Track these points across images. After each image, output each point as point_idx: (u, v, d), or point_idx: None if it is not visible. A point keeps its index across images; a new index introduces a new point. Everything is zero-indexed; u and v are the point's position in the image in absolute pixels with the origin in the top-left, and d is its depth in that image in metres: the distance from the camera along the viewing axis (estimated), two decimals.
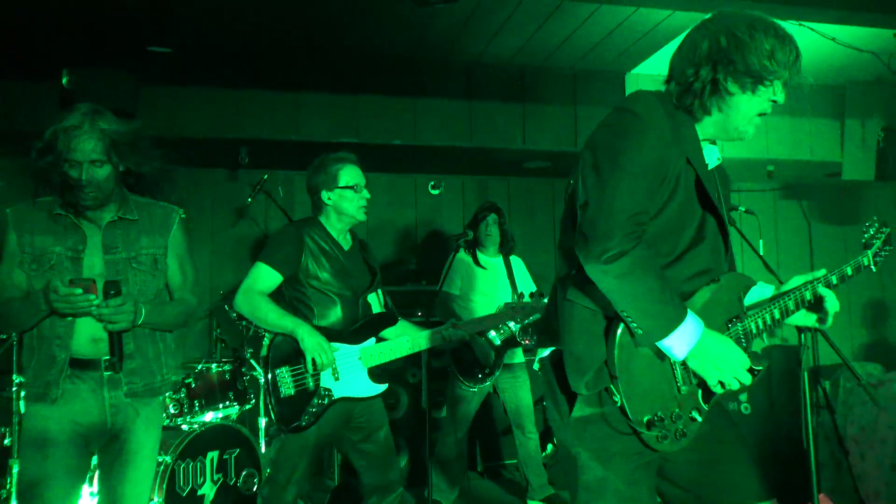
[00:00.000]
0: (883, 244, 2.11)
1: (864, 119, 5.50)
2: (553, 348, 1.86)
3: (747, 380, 1.71)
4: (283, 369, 2.85)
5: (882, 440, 5.01)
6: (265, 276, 2.92)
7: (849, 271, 2.02)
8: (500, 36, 4.55)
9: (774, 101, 1.79)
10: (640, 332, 1.64)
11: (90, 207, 2.37)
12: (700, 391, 1.78)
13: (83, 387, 2.34)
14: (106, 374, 2.35)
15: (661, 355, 1.71)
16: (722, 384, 1.71)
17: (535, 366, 1.96)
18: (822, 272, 1.97)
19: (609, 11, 4.24)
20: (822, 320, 1.96)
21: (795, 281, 1.97)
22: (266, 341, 2.91)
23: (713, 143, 1.88)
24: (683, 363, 1.72)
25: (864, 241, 2.12)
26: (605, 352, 1.70)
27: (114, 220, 2.44)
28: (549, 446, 5.35)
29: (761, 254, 3.54)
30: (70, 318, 2.32)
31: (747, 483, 1.84)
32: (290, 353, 2.87)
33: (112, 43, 4.23)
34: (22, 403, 2.46)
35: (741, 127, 1.81)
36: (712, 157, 1.86)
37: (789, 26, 1.82)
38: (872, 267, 2.10)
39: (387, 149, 4.95)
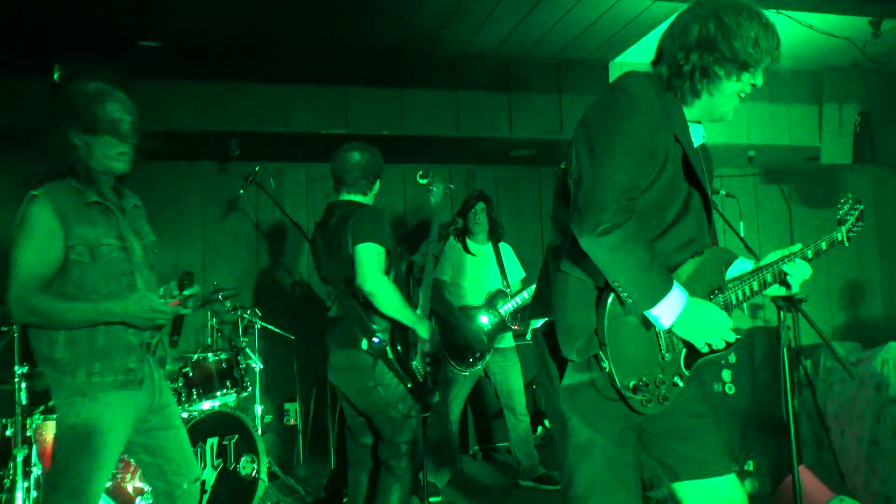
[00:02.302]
0: (856, 220, 2.22)
1: (841, 104, 5.62)
2: (545, 319, 1.95)
3: (731, 337, 1.82)
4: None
5: (860, 416, 5.16)
6: (381, 257, 3.00)
7: (823, 246, 2.14)
8: (485, 27, 4.62)
9: (753, 85, 1.90)
10: (629, 301, 1.74)
11: (112, 195, 2.36)
12: (682, 358, 1.89)
13: (147, 369, 2.38)
14: (158, 354, 2.45)
15: (647, 324, 1.82)
16: (709, 345, 1.83)
17: (528, 336, 2.06)
18: (797, 246, 2.08)
19: (592, 2, 4.33)
20: (788, 286, 2.06)
21: (772, 256, 2.08)
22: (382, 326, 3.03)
23: (698, 122, 1.98)
24: (668, 331, 1.83)
25: (838, 217, 2.23)
26: (595, 320, 1.80)
27: (136, 206, 2.49)
28: (539, 428, 5.47)
29: (742, 236, 3.66)
30: None
31: (715, 457, 1.95)
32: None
33: (102, 38, 4.26)
34: (69, 398, 2.25)
35: (724, 108, 1.91)
36: (697, 135, 1.96)
37: (768, 14, 1.92)
38: (845, 242, 2.21)
39: (375, 139, 5.01)
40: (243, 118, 4.68)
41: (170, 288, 2.40)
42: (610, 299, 1.79)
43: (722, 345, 1.84)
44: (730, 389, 5.10)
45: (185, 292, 2.35)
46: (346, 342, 3.03)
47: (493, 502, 4.36)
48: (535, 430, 5.24)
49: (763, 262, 2.07)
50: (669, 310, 1.75)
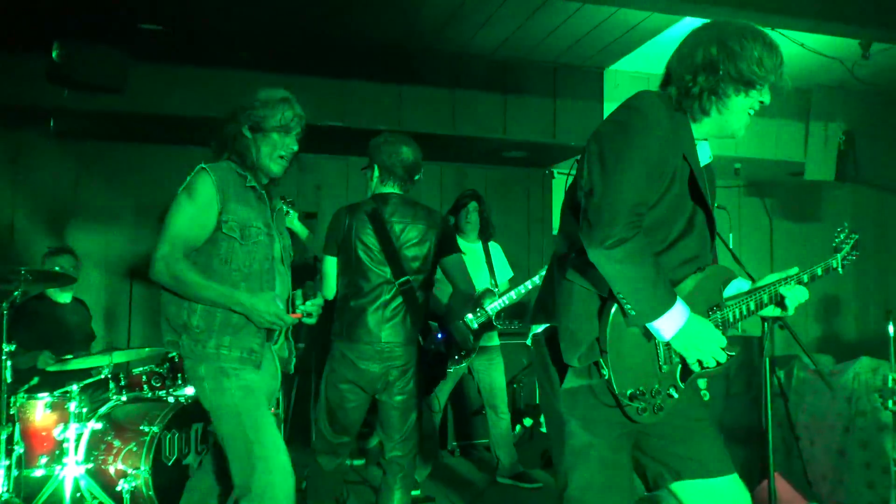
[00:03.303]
0: (851, 249, 2.30)
1: (827, 122, 5.75)
2: (547, 325, 2.01)
3: (723, 358, 1.89)
4: None
5: (831, 427, 5.30)
6: None
7: (819, 272, 2.20)
8: (486, 28, 4.66)
9: (762, 102, 1.96)
10: (633, 312, 1.80)
11: (268, 186, 2.48)
12: (678, 370, 1.95)
13: (268, 355, 2.48)
14: (279, 342, 2.53)
15: (647, 335, 1.88)
16: (700, 363, 1.89)
17: (528, 341, 2.11)
18: (794, 270, 2.15)
19: (592, 10, 4.39)
20: (784, 308, 2.13)
21: (770, 277, 2.15)
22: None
23: (705, 140, 2.04)
24: (667, 344, 1.89)
25: (834, 244, 2.30)
26: (597, 329, 1.86)
27: (279, 209, 2.60)
28: (518, 427, 5.54)
29: (731, 247, 3.74)
30: (269, 289, 2.43)
31: (712, 458, 2.02)
32: None
33: (103, 18, 4.23)
34: (196, 364, 2.35)
35: (735, 125, 1.98)
36: (704, 155, 2.02)
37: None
38: (840, 270, 2.28)
39: (371, 133, 5.03)
40: None
41: (294, 296, 2.54)
42: (613, 309, 1.85)
43: (713, 364, 1.90)
44: (705, 396, 5.21)
45: (308, 303, 2.51)
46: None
47: (472, 498, 4.42)
48: (513, 429, 5.31)
49: (760, 283, 2.14)
50: (671, 323, 1.81)
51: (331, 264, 3.18)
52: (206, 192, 2.32)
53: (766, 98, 1.96)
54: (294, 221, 3.83)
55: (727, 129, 1.99)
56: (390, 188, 3.27)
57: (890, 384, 3.28)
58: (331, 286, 3.19)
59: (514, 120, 5.26)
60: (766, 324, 2.80)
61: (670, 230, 1.93)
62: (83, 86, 4.05)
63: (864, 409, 5.00)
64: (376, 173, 3.28)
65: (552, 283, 2.01)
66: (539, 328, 2.04)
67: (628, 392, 1.86)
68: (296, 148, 2.48)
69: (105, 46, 3.90)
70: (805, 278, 2.15)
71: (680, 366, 1.95)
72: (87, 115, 4.64)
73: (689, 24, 4.43)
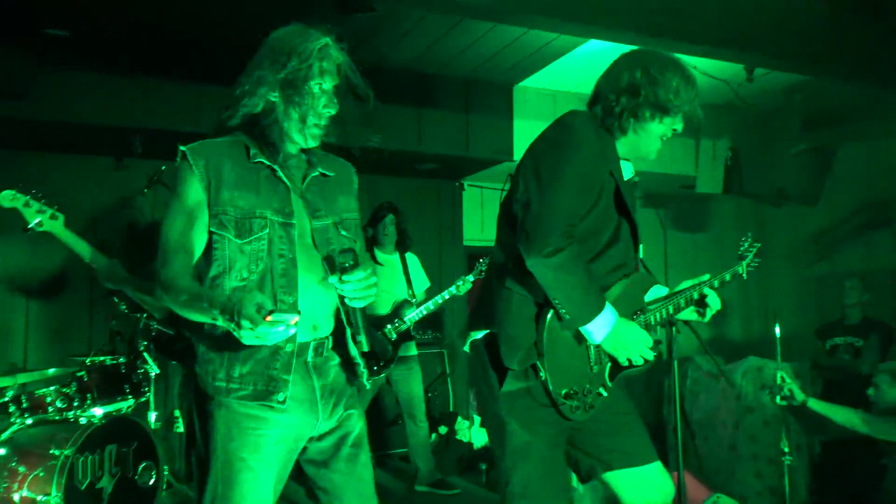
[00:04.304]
0: (754, 257, 2.54)
1: (715, 139, 6.19)
2: (486, 331, 2.11)
3: (650, 356, 2.06)
4: None
5: (723, 424, 5.70)
6: None
7: (727, 277, 2.43)
8: (402, 43, 4.75)
9: (675, 130, 2.15)
10: (567, 317, 1.93)
11: (302, 155, 1.94)
12: (607, 370, 2.11)
13: (295, 377, 1.87)
14: (318, 359, 1.92)
15: (580, 338, 2.02)
16: (630, 361, 2.05)
17: (466, 348, 2.20)
18: (706, 277, 2.36)
19: (504, 30, 4.56)
20: (701, 314, 2.34)
21: (685, 284, 2.35)
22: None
23: (626, 159, 2.21)
24: (597, 346, 2.04)
25: (739, 252, 2.54)
26: (535, 333, 1.98)
27: (315, 175, 1.98)
28: (433, 435, 5.62)
29: (641, 257, 3.98)
30: (289, 299, 1.84)
31: (639, 448, 2.20)
32: None
33: (8, 23, 4.01)
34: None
35: (648, 148, 2.15)
36: (627, 172, 2.19)
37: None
38: (744, 275, 2.52)
39: None
40: (151, 115, 4.54)
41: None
42: (549, 315, 1.98)
43: (641, 361, 2.07)
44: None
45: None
46: None
47: None
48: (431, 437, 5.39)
49: (677, 289, 2.33)
50: (601, 327, 1.96)
51: None
52: (188, 186, 1.83)
53: (679, 126, 2.15)
54: (61, 230, 3.30)
55: (641, 151, 2.17)
56: None
57: (778, 381, 3.57)
58: None
59: (429, 133, 5.37)
60: (674, 328, 3.03)
61: (599, 240, 2.08)
62: None
63: (751, 405, 5.42)
64: None
65: (490, 291, 2.12)
66: (478, 334, 2.14)
67: (563, 392, 2.00)
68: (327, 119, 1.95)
69: (9, 51, 3.70)
70: (716, 283, 2.37)
71: (609, 366, 2.11)
72: None
73: (594, 45, 4.69)
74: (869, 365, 4.63)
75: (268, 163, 1.90)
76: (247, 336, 1.61)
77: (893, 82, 4.49)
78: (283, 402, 1.82)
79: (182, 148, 1.85)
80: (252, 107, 1.88)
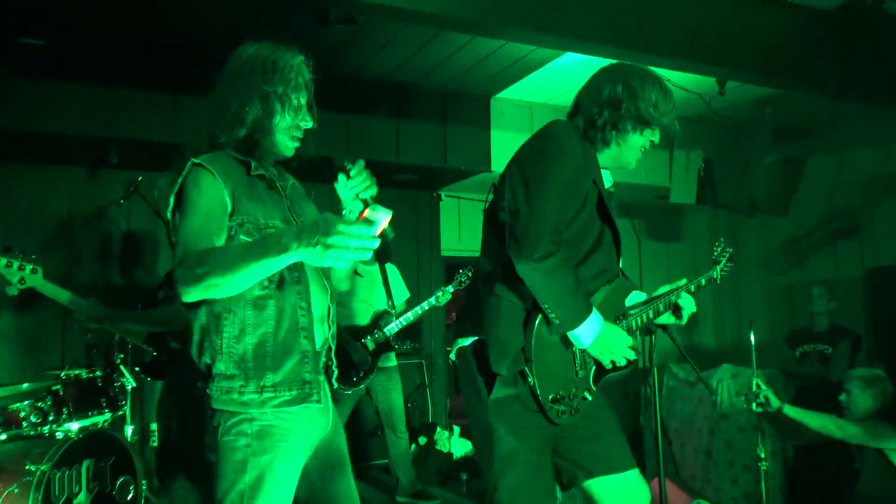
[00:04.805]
0: (727, 262, 2.60)
1: (688, 150, 6.30)
2: (474, 338, 2.14)
3: (632, 356, 2.11)
4: None
5: (698, 430, 5.77)
6: None
7: (703, 282, 2.49)
8: (380, 54, 4.77)
9: (653, 141, 2.21)
10: (556, 321, 1.97)
11: (278, 170, 1.97)
12: (592, 374, 2.15)
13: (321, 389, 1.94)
14: (329, 361, 1.99)
15: (566, 344, 2.06)
16: (613, 364, 2.09)
17: (452, 356, 2.23)
18: (683, 282, 2.41)
19: (481, 42, 4.61)
20: (679, 317, 2.40)
21: (662, 289, 2.40)
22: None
23: (606, 169, 2.27)
24: (582, 351, 2.08)
25: (713, 258, 2.60)
26: (523, 339, 2.01)
27: (292, 184, 2.04)
28: (413, 445, 5.62)
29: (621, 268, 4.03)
30: (305, 305, 1.88)
31: (619, 454, 2.24)
32: None
33: None
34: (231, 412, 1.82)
35: (629, 158, 2.21)
36: (608, 181, 2.24)
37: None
38: (718, 280, 2.58)
39: None
40: (127, 125, 4.51)
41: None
42: (537, 321, 2.01)
43: (624, 362, 2.11)
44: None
45: (374, 209, 1.69)
46: None
47: None
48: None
49: (655, 294, 2.38)
50: (589, 331, 2.00)
51: None
52: (210, 192, 1.80)
53: (657, 138, 2.22)
54: (41, 282, 3.33)
55: (622, 161, 2.23)
56: None
57: (753, 388, 3.63)
58: None
59: (407, 143, 5.39)
60: (653, 336, 3.08)
61: (582, 246, 2.13)
62: None
63: (726, 411, 5.50)
64: None
65: (478, 298, 2.15)
66: (465, 341, 2.16)
67: (550, 396, 2.03)
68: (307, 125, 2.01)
69: None
70: (692, 288, 2.43)
71: (593, 370, 2.15)
72: None
73: (571, 58, 4.76)
74: (839, 372, 4.72)
75: (268, 175, 1.95)
76: (335, 250, 1.54)
77: (857, 95, 4.62)
78: (320, 401, 1.87)
79: (196, 160, 1.85)
80: (241, 123, 1.91)
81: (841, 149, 6.17)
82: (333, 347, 2.00)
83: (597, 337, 2.02)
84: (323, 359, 1.96)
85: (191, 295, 1.71)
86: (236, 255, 1.67)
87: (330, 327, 1.99)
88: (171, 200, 1.86)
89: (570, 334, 2.02)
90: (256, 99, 1.91)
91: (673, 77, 5.11)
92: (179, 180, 1.86)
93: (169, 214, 1.87)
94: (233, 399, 1.81)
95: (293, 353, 1.84)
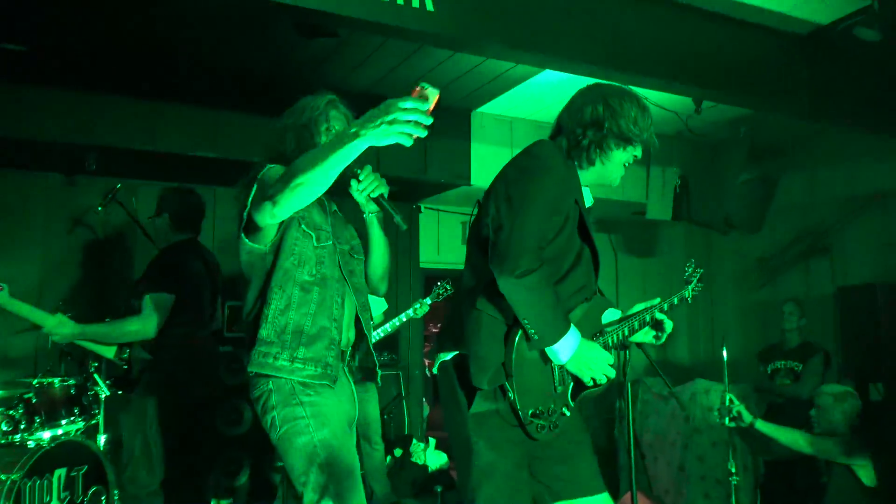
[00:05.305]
0: (697, 281, 2.65)
1: (664, 167, 6.41)
2: (455, 352, 2.16)
3: (612, 374, 2.14)
4: None
5: (672, 445, 5.83)
6: None
7: (675, 301, 2.53)
8: (362, 67, 4.81)
9: (635, 156, 2.26)
10: (536, 337, 2.00)
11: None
12: (570, 390, 2.18)
13: (343, 378, 2.28)
14: (353, 363, 2.32)
15: (545, 359, 2.09)
16: (594, 380, 2.12)
17: (435, 369, 2.25)
18: (656, 301, 2.45)
19: (462, 58, 4.66)
20: (658, 337, 2.44)
21: (637, 307, 2.44)
22: None
23: (587, 186, 2.31)
24: (561, 367, 2.11)
25: (684, 278, 2.65)
26: (503, 354, 2.04)
27: (333, 211, 2.40)
28: (388, 457, 5.61)
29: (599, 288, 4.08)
30: (340, 301, 2.22)
31: (588, 477, 2.26)
32: None
33: None
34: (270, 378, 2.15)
35: (613, 175, 2.26)
36: (588, 199, 2.29)
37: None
38: (689, 299, 2.62)
39: (244, 165, 4.98)
40: (107, 133, 4.49)
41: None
42: (518, 336, 2.04)
43: (604, 380, 2.14)
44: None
45: (423, 87, 1.85)
46: None
47: None
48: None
49: (630, 312, 2.42)
50: (567, 347, 2.03)
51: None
52: None
53: (639, 153, 2.27)
54: (7, 300, 3.33)
55: (607, 178, 2.28)
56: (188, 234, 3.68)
57: (726, 402, 3.69)
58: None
59: (387, 155, 5.41)
60: (627, 351, 3.12)
61: (563, 263, 2.17)
62: None
63: (699, 426, 5.57)
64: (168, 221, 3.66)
65: (460, 313, 2.18)
66: (447, 356, 2.19)
67: (530, 411, 2.06)
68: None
69: None
70: (665, 306, 2.47)
71: (571, 386, 2.18)
72: None
73: (551, 75, 4.83)
74: (809, 388, 4.80)
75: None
76: (398, 125, 1.77)
77: (828, 116, 4.74)
78: (334, 383, 2.18)
79: (270, 166, 2.21)
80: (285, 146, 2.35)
81: (812, 168, 6.30)
82: (351, 351, 2.31)
83: (574, 354, 2.06)
84: (347, 357, 2.29)
85: (282, 205, 1.99)
86: (316, 154, 1.95)
87: (356, 332, 2.31)
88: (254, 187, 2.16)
89: (547, 350, 2.05)
90: (290, 131, 2.42)
91: (650, 95, 5.19)
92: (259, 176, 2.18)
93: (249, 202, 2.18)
94: (268, 363, 2.13)
95: (323, 338, 2.16)
